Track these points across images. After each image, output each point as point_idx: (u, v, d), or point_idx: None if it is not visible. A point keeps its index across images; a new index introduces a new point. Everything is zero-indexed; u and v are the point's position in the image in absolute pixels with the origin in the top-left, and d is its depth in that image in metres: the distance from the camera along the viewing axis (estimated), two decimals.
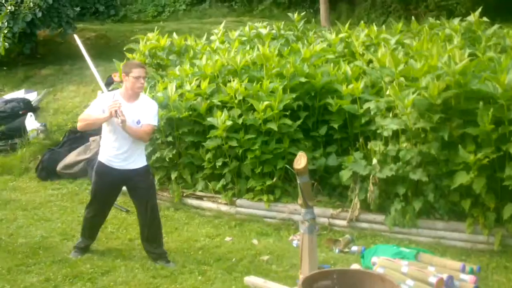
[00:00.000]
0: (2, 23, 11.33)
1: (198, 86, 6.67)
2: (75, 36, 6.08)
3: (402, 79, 5.57)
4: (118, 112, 4.72)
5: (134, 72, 4.87)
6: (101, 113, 4.87)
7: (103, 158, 5.03)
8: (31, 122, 9.40)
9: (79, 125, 5.04)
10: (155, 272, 4.86)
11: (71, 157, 8.18)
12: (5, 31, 11.23)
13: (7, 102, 10.46)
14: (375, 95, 5.89)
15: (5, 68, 12.96)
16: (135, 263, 5.07)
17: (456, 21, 7.30)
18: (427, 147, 5.21)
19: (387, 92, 5.52)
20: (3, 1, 11.70)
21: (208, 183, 6.49)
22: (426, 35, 6.97)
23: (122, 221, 6.32)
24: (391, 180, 5.42)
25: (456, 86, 5.14)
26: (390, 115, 5.53)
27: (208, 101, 6.46)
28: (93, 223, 5.33)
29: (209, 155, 6.34)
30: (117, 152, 4.95)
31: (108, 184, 5.08)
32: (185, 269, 4.92)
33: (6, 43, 11.22)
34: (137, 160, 5.02)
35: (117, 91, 5.08)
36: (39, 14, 11.52)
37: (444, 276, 4.14)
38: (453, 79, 5.12)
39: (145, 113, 4.95)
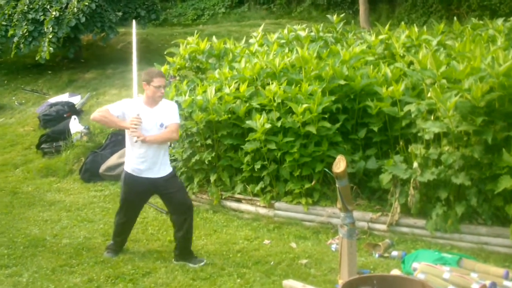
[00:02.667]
0: (47, 28, 11.66)
1: (237, 89, 6.70)
2: (134, 23, 6.20)
3: (444, 81, 5.47)
4: (136, 133, 4.85)
5: (155, 81, 4.94)
6: (121, 116, 4.97)
7: (129, 168, 5.08)
8: (75, 125, 9.62)
9: (95, 115, 5.02)
10: (195, 274, 4.90)
11: (113, 160, 8.33)
12: (50, 36, 11.56)
13: (52, 105, 10.76)
14: (416, 98, 5.81)
15: (50, 72, 13.33)
16: (175, 265, 5.13)
17: (499, 21, 7.15)
18: (470, 150, 5.10)
19: (429, 95, 5.44)
20: (48, 7, 12.03)
21: (247, 186, 6.51)
22: (468, 36, 6.84)
23: (163, 223, 6.40)
24: (432, 184, 5.34)
25: (499, 88, 5.03)
26: (432, 117, 5.44)
27: (247, 104, 6.48)
28: (123, 229, 5.43)
29: (247, 158, 6.37)
30: (142, 162, 5.00)
31: (136, 193, 5.16)
32: (224, 272, 4.95)
33: (51, 48, 11.54)
34: (161, 168, 5.07)
35: (140, 98, 5.12)
36: (83, 19, 11.81)
37: (487, 283, 4.06)
38: (497, 81, 5.01)
39: (167, 114, 5.05)
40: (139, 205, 5.38)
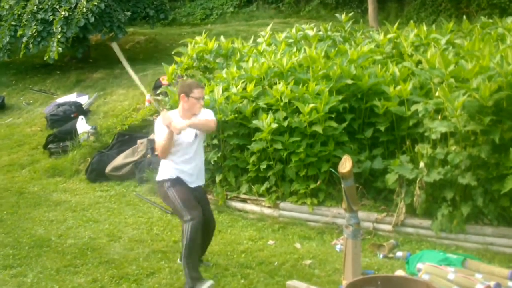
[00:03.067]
0: (56, 28, 11.69)
1: (244, 88, 6.67)
2: (114, 44, 6.04)
3: (452, 80, 5.41)
4: (178, 127, 4.52)
5: (195, 92, 4.67)
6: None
7: (172, 175, 4.75)
8: (82, 125, 9.64)
9: (160, 155, 4.72)
10: None
11: (119, 160, 8.34)
12: (59, 36, 11.59)
13: (59, 105, 10.79)
14: (424, 97, 5.75)
15: (58, 72, 13.38)
16: (179, 266, 5.10)
17: (509, 20, 7.09)
18: (477, 150, 5.04)
19: (436, 94, 5.38)
20: (58, 7, 12.06)
21: (252, 186, 6.48)
22: (477, 34, 6.78)
23: (167, 223, 6.39)
24: (438, 184, 5.28)
25: (508, 87, 4.96)
26: (439, 117, 5.38)
27: (254, 104, 6.46)
28: (198, 236, 4.61)
29: (253, 158, 6.34)
30: (185, 171, 4.76)
31: (188, 188, 4.77)
32: (227, 272, 4.93)
33: (60, 48, 11.56)
34: (201, 177, 4.93)
35: (174, 112, 4.82)
36: (92, 19, 11.83)
37: (492, 284, 4.01)
38: (505, 80, 4.95)
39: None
40: (194, 200, 4.77)
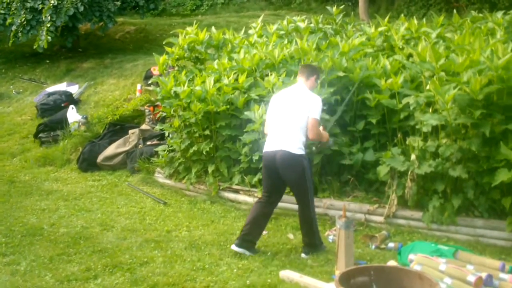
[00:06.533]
0: (45, 17, 11.62)
1: (236, 80, 6.70)
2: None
3: (442, 73, 5.47)
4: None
5: (319, 77, 5.35)
6: None
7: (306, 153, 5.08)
8: (72, 115, 9.62)
9: (315, 138, 5.12)
10: (192, 264, 4.92)
11: (111, 149, 8.34)
12: (48, 25, 11.52)
13: (49, 94, 10.75)
14: (415, 90, 5.80)
15: (47, 61, 13.30)
16: (172, 255, 5.14)
17: (499, 14, 7.12)
18: (468, 143, 5.11)
19: (427, 87, 5.44)
20: None
21: (245, 177, 6.52)
22: (468, 28, 6.82)
23: (160, 213, 6.42)
24: (429, 176, 5.35)
25: (498, 81, 5.02)
26: (430, 110, 5.45)
27: (246, 95, 6.48)
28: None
29: (245, 149, 6.37)
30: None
31: None
32: (221, 262, 4.97)
33: (49, 37, 11.50)
34: None
35: (305, 88, 5.20)
36: (81, 8, 11.77)
37: (483, 275, 4.06)
38: (496, 74, 5.01)
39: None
40: None
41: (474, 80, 4.99)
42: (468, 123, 5.12)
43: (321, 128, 5.18)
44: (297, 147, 4.94)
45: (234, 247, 5.09)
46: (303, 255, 5.05)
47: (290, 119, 5.01)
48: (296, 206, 5.21)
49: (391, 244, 5.14)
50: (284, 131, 5.00)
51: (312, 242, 5.09)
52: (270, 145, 5.05)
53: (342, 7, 8.79)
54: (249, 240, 5.12)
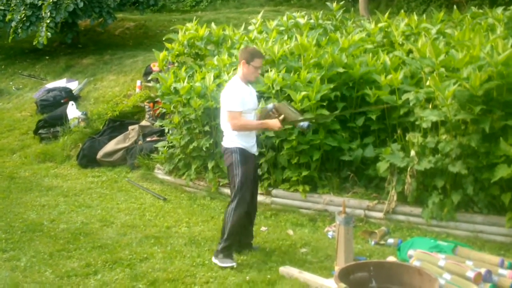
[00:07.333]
0: (45, 13, 11.60)
1: None
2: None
3: (442, 69, 5.47)
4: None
5: (256, 62, 4.76)
6: (243, 108, 4.77)
7: (242, 145, 4.84)
8: (72, 111, 9.61)
9: (236, 128, 4.81)
10: (192, 260, 4.93)
11: (110, 146, 8.34)
12: (48, 21, 11.50)
13: (49, 91, 10.75)
14: (415, 86, 5.81)
15: (47, 57, 13.29)
16: (172, 251, 5.15)
17: (499, 10, 7.12)
18: (467, 139, 5.11)
19: (427, 83, 5.43)
20: None
21: None
22: (468, 24, 6.82)
23: (160, 209, 6.43)
24: (429, 172, 5.35)
25: (498, 77, 5.02)
26: (430, 106, 5.45)
27: None
28: (245, 221, 4.95)
29: None
30: (253, 139, 4.94)
31: (252, 169, 4.94)
32: None
33: (49, 33, 11.48)
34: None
35: (237, 79, 4.89)
36: (81, 4, 11.74)
37: (482, 271, 4.07)
38: (496, 70, 5.00)
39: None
40: (253, 186, 5.02)
41: (474, 76, 4.99)
42: (468, 119, 5.12)
43: (250, 116, 4.87)
44: (229, 140, 4.90)
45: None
46: (213, 257, 4.90)
47: (221, 114, 4.98)
48: (295, 202, 5.22)
49: (390, 240, 5.14)
50: (221, 125, 5.03)
51: (223, 247, 4.80)
52: None
53: (342, 3, 8.79)
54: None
